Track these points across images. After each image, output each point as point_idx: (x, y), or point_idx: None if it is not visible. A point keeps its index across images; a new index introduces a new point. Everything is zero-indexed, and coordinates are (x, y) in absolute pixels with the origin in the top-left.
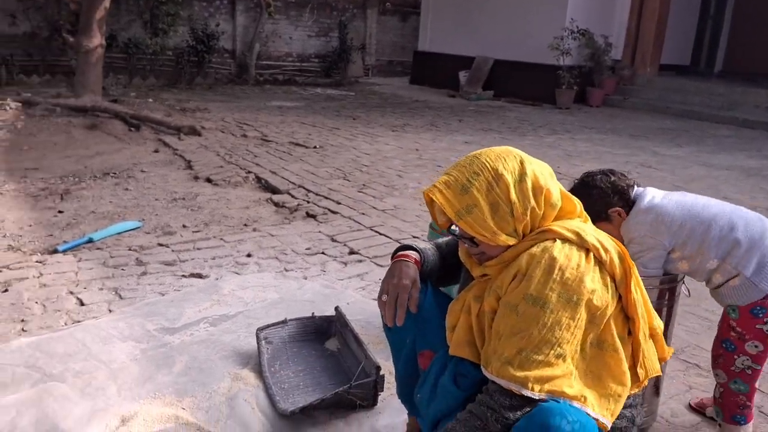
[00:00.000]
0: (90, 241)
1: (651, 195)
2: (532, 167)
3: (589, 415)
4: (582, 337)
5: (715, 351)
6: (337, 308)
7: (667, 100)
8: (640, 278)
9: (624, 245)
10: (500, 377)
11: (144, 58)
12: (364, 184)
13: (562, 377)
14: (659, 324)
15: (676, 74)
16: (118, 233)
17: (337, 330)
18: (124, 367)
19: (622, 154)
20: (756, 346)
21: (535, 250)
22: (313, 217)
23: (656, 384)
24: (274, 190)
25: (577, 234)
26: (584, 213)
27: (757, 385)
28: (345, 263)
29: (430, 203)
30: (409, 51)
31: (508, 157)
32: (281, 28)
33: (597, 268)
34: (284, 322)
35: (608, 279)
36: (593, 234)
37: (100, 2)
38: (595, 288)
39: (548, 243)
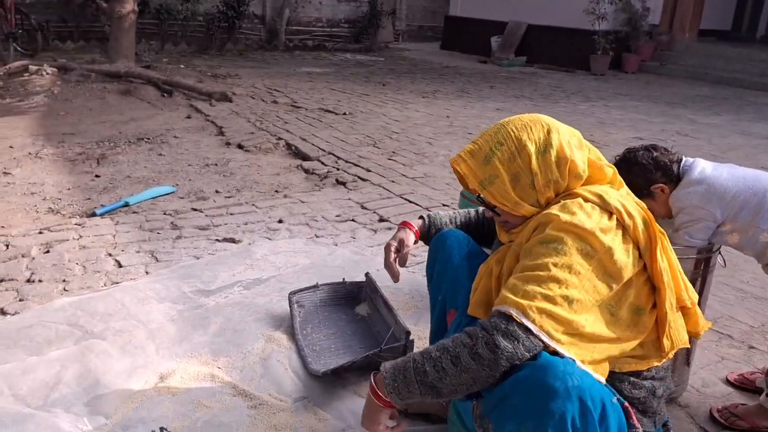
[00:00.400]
0: (126, 205)
1: (702, 166)
2: (558, 137)
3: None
4: (597, 296)
5: None
6: (367, 274)
7: (706, 67)
8: (670, 246)
9: (673, 215)
10: (502, 304)
11: (175, 24)
12: (393, 152)
13: (565, 322)
14: (693, 296)
15: (717, 40)
16: (153, 198)
17: (367, 295)
18: (161, 327)
19: (658, 122)
20: None
21: (555, 206)
22: (343, 184)
23: (688, 354)
24: (305, 157)
25: (600, 197)
26: (618, 179)
27: None
28: (374, 230)
29: (457, 172)
30: (439, 16)
31: (534, 126)
32: None
33: (619, 231)
34: (316, 286)
35: (631, 245)
36: (618, 198)
37: None
38: (614, 247)
39: (569, 200)
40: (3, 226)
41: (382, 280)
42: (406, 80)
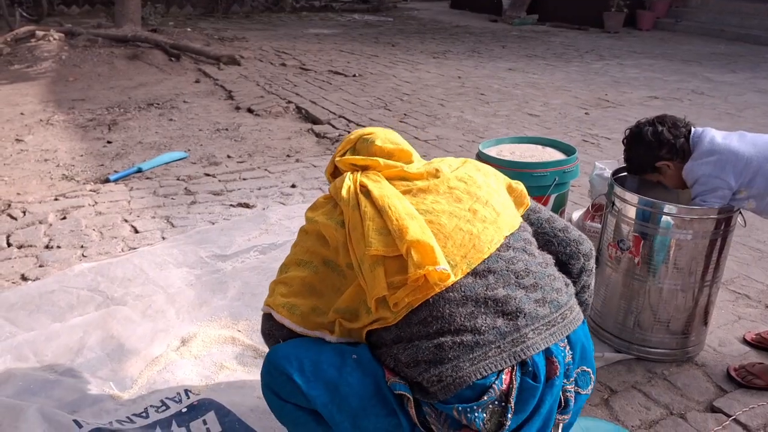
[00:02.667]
0: (139, 170)
1: (711, 135)
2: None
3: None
4: (315, 256)
5: None
6: None
7: (722, 23)
8: (371, 200)
9: (689, 187)
10: None
11: None
12: (405, 114)
13: (274, 286)
14: (405, 241)
15: None
16: (166, 163)
17: None
18: (180, 292)
19: (673, 81)
20: None
21: None
22: None
23: (705, 314)
24: (315, 121)
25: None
26: (377, 166)
27: None
28: None
29: None
30: None
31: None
32: None
33: (328, 203)
34: None
35: (339, 210)
36: (336, 180)
37: None
38: (319, 220)
39: None
40: (19, 193)
41: None
42: (415, 41)
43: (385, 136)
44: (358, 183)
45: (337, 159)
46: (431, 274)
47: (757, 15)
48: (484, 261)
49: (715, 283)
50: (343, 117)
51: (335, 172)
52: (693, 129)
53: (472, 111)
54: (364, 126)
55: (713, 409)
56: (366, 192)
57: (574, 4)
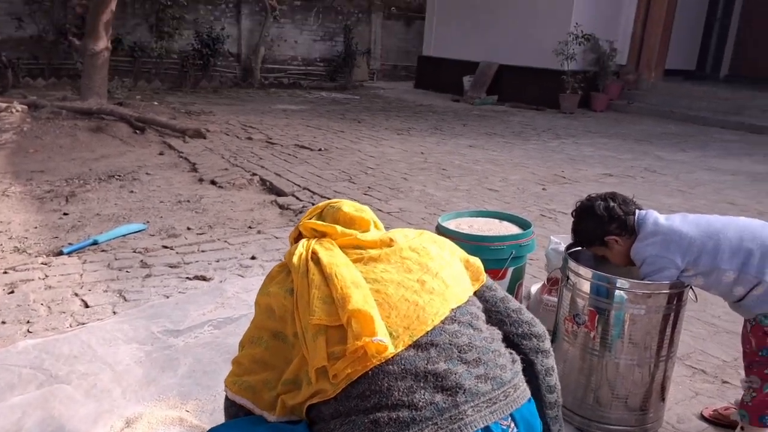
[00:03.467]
0: (95, 243)
1: (654, 217)
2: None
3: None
4: (264, 331)
5: (749, 359)
6: None
7: (672, 105)
8: (314, 273)
9: (637, 267)
10: None
11: (149, 62)
12: (369, 187)
13: (234, 363)
14: (346, 311)
15: (682, 79)
16: (123, 235)
17: None
18: (128, 370)
19: (627, 159)
20: None
21: None
22: None
23: (662, 390)
24: (279, 192)
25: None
26: (334, 234)
27: None
28: None
29: None
30: (413, 55)
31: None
32: (286, 32)
33: (282, 273)
34: None
35: (290, 280)
36: (295, 248)
37: (106, 6)
38: (272, 290)
39: None
40: None
41: None
42: (380, 117)
43: (351, 204)
44: (309, 250)
45: (301, 222)
46: (369, 345)
47: (704, 98)
48: (427, 333)
49: (670, 358)
50: (308, 189)
51: (299, 237)
52: (637, 211)
53: (434, 185)
54: (328, 198)
55: None
56: (316, 259)
57: (532, 85)
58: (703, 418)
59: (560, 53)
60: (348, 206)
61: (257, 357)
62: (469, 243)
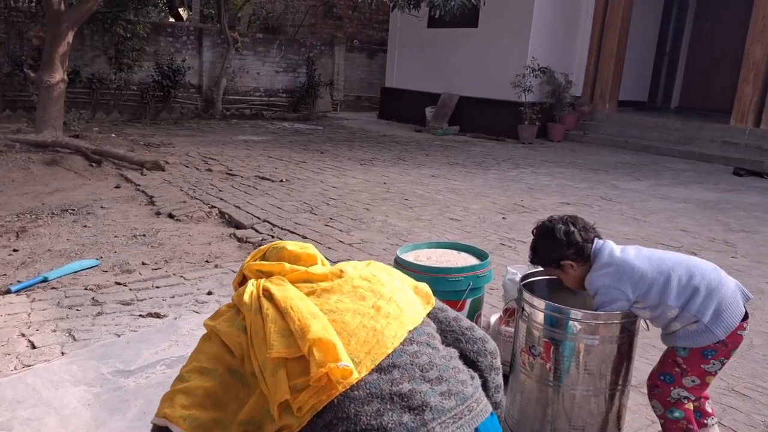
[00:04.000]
0: (45, 280)
1: (610, 248)
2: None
3: None
4: (220, 365)
5: (652, 382)
6: None
7: (625, 135)
8: (274, 303)
9: (591, 297)
10: None
11: (108, 93)
12: (331, 218)
13: (173, 396)
14: (305, 341)
15: (635, 110)
16: (75, 272)
17: None
18: (75, 413)
19: (583, 188)
20: (693, 381)
21: None
22: None
23: (618, 419)
24: (238, 225)
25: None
26: (282, 271)
27: (691, 408)
28: None
29: None
30: (376, 87)
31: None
32: (249, 63)
33: (231, 311)
34: None
35: (241, 317)
36: (240, 290)
37: (62, 38)
38: (221, 328)
39: None
40: None
41: None
42: (344, 148)
43: (294, 243)
44: (260, 288)
45: (245, 265)
46: (333, 371)
47: (656, 128)
48: (388, 356)
49: (626, 387)
50: (268, 221)
51: (243, 281)
52: (596, 240)
53: (397, 215)
54: (289, 230)
55: None
56: (269, 295)
57: (492, 117)
58: None
59: (518, 85)
60: (291, 245)
61: (211, 391)
62: (428, 275)
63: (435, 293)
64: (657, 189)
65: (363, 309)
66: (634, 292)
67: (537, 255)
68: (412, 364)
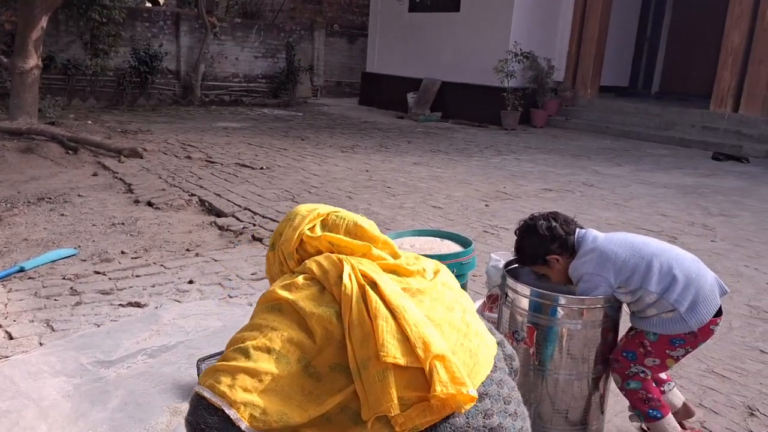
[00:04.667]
0: (21, 270)
1: (593, 235)
2: (290, 222)
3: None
4: (294, 352)
5: (614, 356)
6: None
7: (607, 121)
8: (380, 297)
9: (574, 285)
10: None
11: (84, 80)
12: None
13: (239, 370)
14: (426, 353)
15: (616, 96)
16: (52, 261)
17: None
18: (54, 405)
19: (565, 174)
20: (654, 361)
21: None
22: (260, 240)
23: (601, 402)
24: (219, 213)
25: (303, 264)
26: (367, 253)
27: (648, 378)
28: None
29: None
30: (357, 72)
31: (284, 219)
32: (227, 48)
33: (313, 286)
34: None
35: (329, 298)
36: (319, 259)
37: (36, 23)
38: (297, 299)
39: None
40: None
41: None
42: (325, 135)
43: (366, 219)
44: (359, 273)
45: (308, 233)
46: (458, 397)
47: (637, 113)
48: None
49: (608, 371)
50: (249, 209)
51: (301, 253)
52: (578, 230)
53: (379, 203)
54: (270, 218)
55: None
56: (373, 285)
57: (474, 103)
58: (642, 429)
59: (500, 71)
60: (362, 220)
61: (281, 380)
62: None
63: None
64: (638, 174)
65: (456, 322)
66: (616, 278)
67: (524, 254)
68: (498, 395)
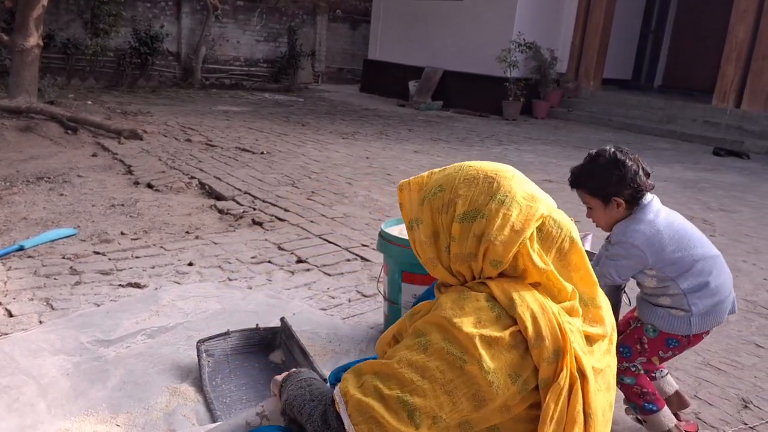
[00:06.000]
0: (21, 249)
1: (657, 208)
2: (499, 207)
3: None
4: (451, 416)
5: None
6: (282, 319)
7: (609, 113)
8: (593, 396)
9: (607, 239)
10: (342, 381)
11: (83, 59)
12: (313, 192)
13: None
14: None
15: (619, 88)
16: (52, 241)
17: (282, 342)
18: (54, 382)
19: (566, 165)
20: (644, 361)
21: (454, 294)
22: (260, 224)
23: None
24: (219, 197)
25: (511, 299)
26: (572, 297)
27: (641, 373)
28: (292, 272)
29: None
30: (359, 59)
31: (481, 183)
32: (229, 31)
33: (516, 349)
34: (227, 333)
35: (528, 371)
36: (534, 308)
37: (37, 0)
38: (492, 366)
39: (473, 291)
40: None
41: (299, 324)
42: (325, 121)
43: (572, 226)
44: (574, 357)
45: (532, 252)
46: None
47: (639, 106)
48: None
49: None
50: (249, 193)
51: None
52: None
53: (379, 190)
54: (270, 203)
55: None
56: (582, 376)
57: (476, 92)
58: (636, 419)
59: (503, 60)
60: (576, 236)
61: None
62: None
63: (416, 267)
64: None
65: (607, 411)
66: (654, 262)
67: (591, 180)
68: None
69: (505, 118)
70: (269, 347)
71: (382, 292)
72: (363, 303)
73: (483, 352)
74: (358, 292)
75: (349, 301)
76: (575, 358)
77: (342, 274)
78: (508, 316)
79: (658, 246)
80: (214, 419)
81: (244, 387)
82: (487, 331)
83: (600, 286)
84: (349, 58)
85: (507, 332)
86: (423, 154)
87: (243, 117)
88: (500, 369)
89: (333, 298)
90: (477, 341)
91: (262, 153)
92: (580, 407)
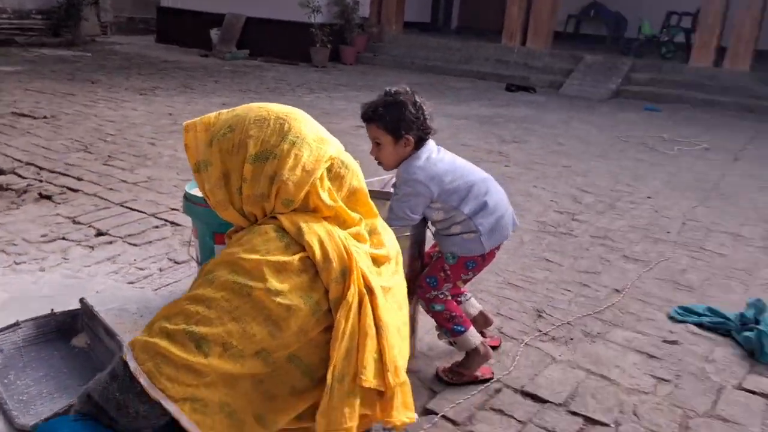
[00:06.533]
0: None
1: (431, 147)
2: (290, 148)
3: None
4: (250, 346)
5: (420, 282)
6: (82, 300)
7: (412, 56)
8: (383, 309)
9: (394, 185)
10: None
11: None
12: (109, 156)
13: (183, 365)
14: (392, 379)
15: (420, 31)
16: None
17: (85, 324)
18: None
19: None
20: (450, 286)
21: (242, 232)
22: (49, 198)
23: (412, 323)
24: None
25: (299, 228)
26: (358, 223)
27: (449, 299)
28: (92, 247)
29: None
30: (152, 7)
31: (272, 124)
32: None
33: (306, 273)
34: (16, 324)
35: (320, 292)
36: (321, 234)
37: None
38: (282, 290)
39: (260, 227)
40: None
41: (104, 303)
42: (119, 77)
43: (357, 170)
44: (361, 275)
45: (320, 190)
46: (406, 420)
47: (439, 49)
48: None
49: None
50: (33, 164)
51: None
52: None
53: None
54: (60, 172)
55: (426, 411)
56: (369, 292)
57: (282, 39)
58: (448, 342)
59: (305, 5)
60: (360, 175)
61: (228, 375)
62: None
63: (227, 226)
64: (441, 108)
65: (401, 326)
66: (438, 194)
67: (387, 114)
68: None
69: (314, 65)
70: (70, 332)
71: (195, 257)
72: (176, 271)
73: (270, 277)
74: (170, 259)
75: (161, 270)
76: (363, 276)
77: (150, 242)
78: (296, 243)
79: (438, 179)
80: (10, 420)
81: (43, 380)
82: (275, 258)
83: (400, 227)
84: (140, 6)
85: (296, 257)
86: (231, 106)
87: (18, 77)
88: (291, 291)
89: (142, 269)
90: (264, 268)
91: (45, 117)
92: (371, 320)
